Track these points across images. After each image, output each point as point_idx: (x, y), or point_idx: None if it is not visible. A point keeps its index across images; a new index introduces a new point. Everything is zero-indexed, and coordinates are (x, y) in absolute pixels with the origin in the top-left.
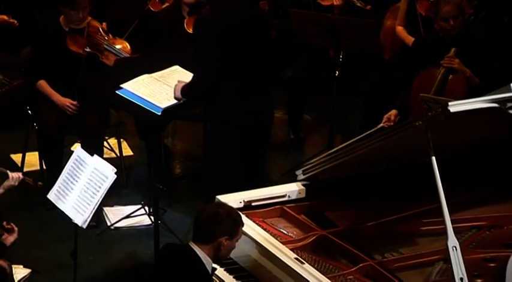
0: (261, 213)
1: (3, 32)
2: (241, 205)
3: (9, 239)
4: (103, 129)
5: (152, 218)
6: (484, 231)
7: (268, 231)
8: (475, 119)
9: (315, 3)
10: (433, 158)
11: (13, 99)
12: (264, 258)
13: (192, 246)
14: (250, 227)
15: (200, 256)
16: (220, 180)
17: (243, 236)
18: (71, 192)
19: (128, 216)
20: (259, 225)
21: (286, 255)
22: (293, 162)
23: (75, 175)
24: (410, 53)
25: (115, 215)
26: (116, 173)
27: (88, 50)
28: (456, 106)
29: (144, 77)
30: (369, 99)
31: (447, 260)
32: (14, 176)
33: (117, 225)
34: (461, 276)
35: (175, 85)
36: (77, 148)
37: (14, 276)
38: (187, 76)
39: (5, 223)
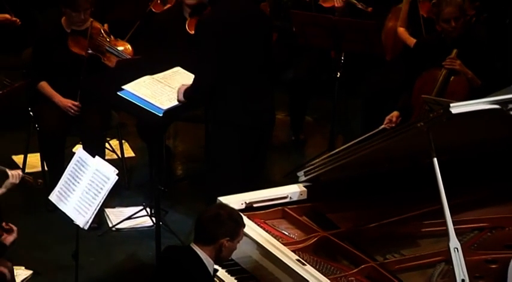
0: (263, 214)
1: (4, 32)
2: (243, 206)
3: (9, 239)
4: (105, 130)
5: (154, 219)
6: (485, 232)
7: (269, 233)
8: (476, 121)
9: (316, 5)
10: (435, 159)
11: (14, 101)
12: (266, 259)
13: (193, 247)
14: (251, 228)
15: (202, 257)
16: (222, 182)
17: (244, 238)
18: (72, 193)
19: (129, 218)
20: (261, 227)
21: (287, 256)
22: (294, 164)
23: (77, 176)
24: (411, 55)
25: (116, 216)
26: (117, 175)
27: (90, 51)
28: (458, 107)
29: (146, 79)
30: (370, 101)
31: (449, 261)
32: (14, 174)
33: (118, 226)
34: (463, 277)
35: (179, 88)
36: (78, 149)
37: (16, 278)
38: (189, 77)
39: (4, 223)
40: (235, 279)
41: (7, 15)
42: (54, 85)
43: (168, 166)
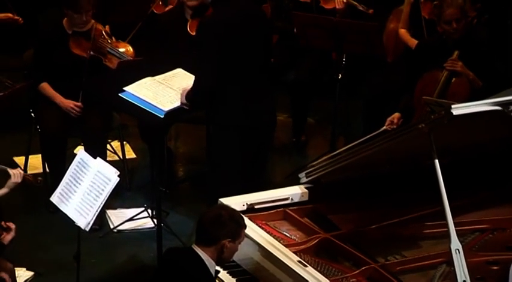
0: (264, 216)
1: (6, 33)
2: (244, 208)
3: (7, 237)
4: (106, 132)
5: (155, 220)
6: (487, 234)
7: (271, 234)
8: (477, 122)
9: (318, 7)
10: (436, 160)
11: (16, 102)
12: (267, 261)
13: (195, 248)
14: (253, 229)
15: (203, 258)
16: (223, 183)
17: (246, 239)
18: (74, 195)
19: (130, 219)
20: (262, 228)
21: (289, 258)
22: (296, 165)
23: (78, 178)
24: (413, 56)
25: (118, 217)
26: (118, 176)
27: (91, 53)
28: (459, 109)
29: (147, 80)
30: (371, 102)
31: (450, 262)
32: (16, 173)
33: (120, 228)
34: (464, 279)
35: (182, 90)
36: (80, 151)
37: (17, 279)
38: (190, 79)
39: (2, 222)
40: (236, 280)
41: (9, 14)
42: (55, 86)
43: (169, 167)
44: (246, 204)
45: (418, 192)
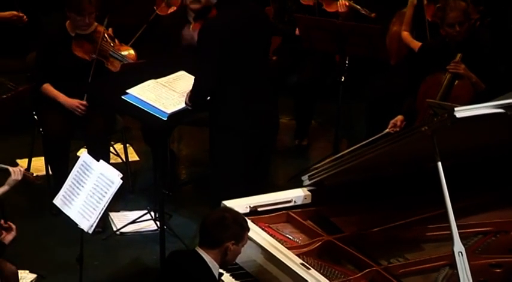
0: (267, 218)
1: (9, 35)
2: (247, 210)
3: (8, 237)
4: (109, 134)
5: (158, 223)
6: (490, 236)
7: (274, 237)
8: (480, 125)
9: (320, 10)
10: (439, 163)
11: (19, 105)
12: (270, 263)
13: (198, 251)
14: (256, 232)
15: (207, 261)
16: (225, 186)
17: (248, 241)
18: (76, 197)
19: (133, 222)
20: (265, 231)
21: (292, 260)
22: (299, 168)
23: (81, 180)
24: (416, 59)
25: (121, 220)
26: (121, 178)
27: (94, 56)
28: (462, 111)
29: (150, 83)
30: (374, 105)
31: (453, 265)
32: (16, 170)
33: (123, 230)
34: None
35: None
36: (82, 153)
37: (20, 281)
38: (192, 81)
39: (2, 221)
40: None
41: (14, 12)
42: (58, 89)
43: (172, 170)
44: (249, 206)
45: (421, 195)
